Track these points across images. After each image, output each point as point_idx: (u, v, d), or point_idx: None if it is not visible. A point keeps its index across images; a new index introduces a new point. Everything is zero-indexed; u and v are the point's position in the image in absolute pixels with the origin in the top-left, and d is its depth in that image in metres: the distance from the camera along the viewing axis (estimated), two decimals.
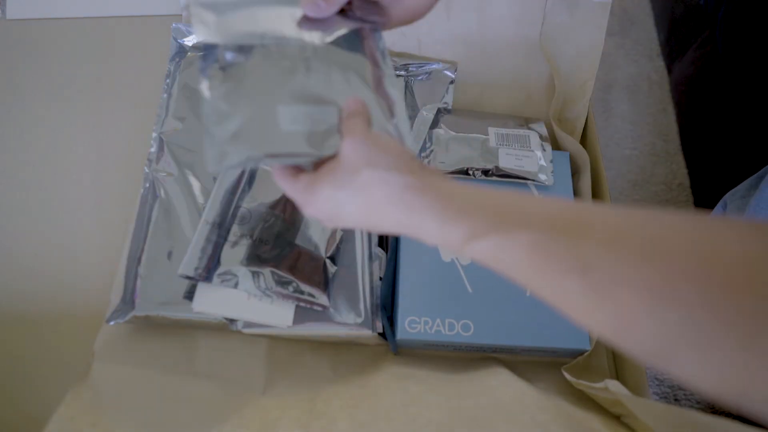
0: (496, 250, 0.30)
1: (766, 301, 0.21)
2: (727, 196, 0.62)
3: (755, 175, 0.59)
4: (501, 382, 0.52)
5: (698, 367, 0.23)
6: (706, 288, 0.23)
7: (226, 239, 0.57)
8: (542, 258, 0.28)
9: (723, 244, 0.24)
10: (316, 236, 0.58)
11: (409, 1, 0.43)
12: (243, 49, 0.41)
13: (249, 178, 0.59)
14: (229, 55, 0.40)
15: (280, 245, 0.57)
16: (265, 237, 0.57)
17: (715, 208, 0.64)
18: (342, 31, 0.43)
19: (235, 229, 0.57)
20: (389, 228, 0.36)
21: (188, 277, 0.55)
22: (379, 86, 0.43)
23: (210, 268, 0.55)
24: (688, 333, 0.23)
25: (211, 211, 0.57)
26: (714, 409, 0.79)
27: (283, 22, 0.42)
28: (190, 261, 0.55)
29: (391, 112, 0.43)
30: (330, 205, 0.37)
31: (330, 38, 0.43)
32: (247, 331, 0.56)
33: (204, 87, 0.38)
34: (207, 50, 0.40)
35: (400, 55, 0.73)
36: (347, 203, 0.36)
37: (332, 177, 0.37)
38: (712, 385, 0.23)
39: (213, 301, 0.55)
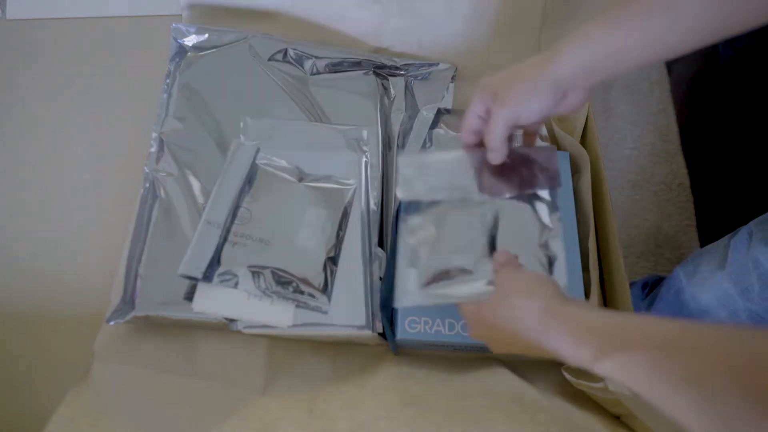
0: (620, 368, 0.34)
1: None
2: (753, 224, 0.62)
3: None
4: (500, 382, 0.52)
5: None
6: None
7: (226, 239, 0.57)
8: (659, 375, 0.31)
9: None
10: (317, 237, 0.58)
11: (566, 108, 0.47)
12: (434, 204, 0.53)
13: (249, 179, 0.59)
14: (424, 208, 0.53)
15: (280, 245, 0.57)
16: (265, 237, 0.57)
17: (739, 233, 0.63)
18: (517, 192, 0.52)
19: (236, 229, 0.57)
20: (536, 348, 0.40)
21: (188, 277, 0.55)
22: (546, 246, 0.53)
23: (210, 268, 0.55)
24: None
25: (211, 211, 0.57)
26: None
27: (467, 179, 0.52)
28: (190, 260, 0.55)
29: (549, 269, 0.52)
30: (490, 330, 0.44)
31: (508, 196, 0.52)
32: (247, 331, 0.56)
33: (406, 234, 0.53)
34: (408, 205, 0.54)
35: (400, 55, 0.73)
36: (502, 328, 0.43)
37: (489, 305, 0.44)
38: None
39: (213, 302, 0.55)
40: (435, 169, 0.54)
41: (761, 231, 0.59)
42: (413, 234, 0.54)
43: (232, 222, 0.57)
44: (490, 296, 0.45)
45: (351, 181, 0.61)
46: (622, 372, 0.34)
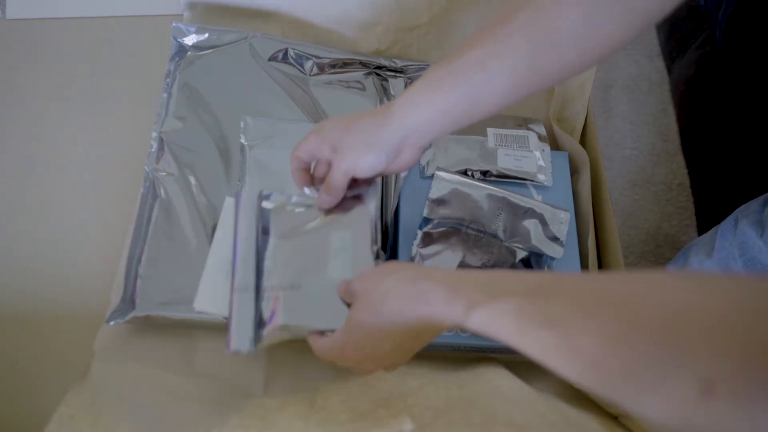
0: (489, 318, 0.34)
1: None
2: (739, 211, 0.62)
3: None
4: (499, 377, 0.52)
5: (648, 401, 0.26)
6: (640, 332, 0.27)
7: (260, 298, 0.52)
8: (523, 320, 0.32)
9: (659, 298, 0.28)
10: (347, 263, 0.54)
11: (399, 166, 0.49)
12: None
13: (263, 229, 0.55)
14: None
15: (312, 284, 0.53)
16: (296, 282, 0.53)
17: (725, 221, 0.63)
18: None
19: (265, 284, 0.53)
20: (411, 323, 0.40)
21: (240, 352, 0.51)
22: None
23: (257, 333, 0.51)
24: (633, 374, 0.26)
25: (242, 276, 0.53)
26: None
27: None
28: (237, 336, 0.50)
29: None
30: (362, 334, 0.43)
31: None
32: None
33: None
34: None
35: (400, 56, 0.73)
36: (373, 327, 0.42)
37: (356, 308, 0.44)
38: (660, 417, 0.25)
39: (214, 301, 0.55)
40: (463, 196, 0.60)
41: (746, 216, 0.59)
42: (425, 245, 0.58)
43: (260, 279, 0.53)
44: (351, 310, 0.44)
45: (366, 188, 0.56)
46: (491, 322, 0.34)
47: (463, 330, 0.46)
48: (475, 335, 0.55)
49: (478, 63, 0.43)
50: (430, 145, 0.65)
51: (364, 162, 0.48)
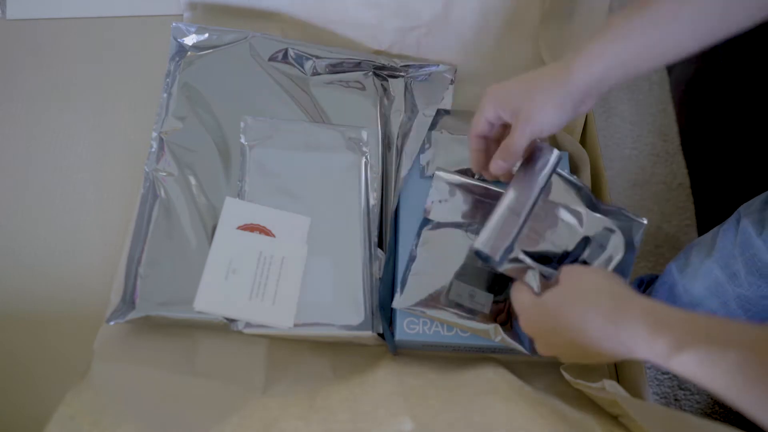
0: (702, 362, 0.33)
1: None
2: (741, 209, 0.62)
3: None
4: (499, 376, 0.52)
5: None
6: None
7: (521, 231, 0.52)
8: (749, 374, 0.31)
9: None
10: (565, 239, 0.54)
11: (578, 114, 0.48)
12: None
13: (547, 187, 0.55)
14: None
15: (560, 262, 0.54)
16: (551, 250, 0.53)
17: (728, 220, 0.63)
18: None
19: (531, 226, 0.53)
20: (595, 352, 0.40)
21: (481, 255, 0.51)
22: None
23: (505, 252, 0.51)
24: None
25: (514, 201, 0.52)
26: (710, 411, 0.79)
27: None
28: (490, 240, 0.50)
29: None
30: (546, 332, 0.45)
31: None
32: (247, 331, 0.56)
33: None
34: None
35: (400, 56, 0.73)
36: (564, 331, 0.42)
37: (550, 306, 0.45)
38: None
39: (214, 301, 0.55)
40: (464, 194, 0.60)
41: (748, 215, 0.59)
42: (425, 246, 0.58)
43: (527, 218, 0.53)
44: (550, 290, 0.45)
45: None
46: (704, 366, 0.33)
47: (660, 368, 0.46)
48: (474, 334, 0.55)
49: (670, 12, 0.42)
50: (430, 145, 0.65)
51: (552, 122, 0.46)
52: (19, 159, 0.67)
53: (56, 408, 0.48)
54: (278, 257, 0.58)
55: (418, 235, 0.59)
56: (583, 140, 0.71)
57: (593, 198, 0.56)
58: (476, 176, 0.63)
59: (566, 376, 0.54)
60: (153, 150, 0.62)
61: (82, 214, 0.64)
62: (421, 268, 0.57)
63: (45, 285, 0.61)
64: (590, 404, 0.53)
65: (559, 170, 0.54)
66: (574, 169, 0.67)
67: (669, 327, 0.35)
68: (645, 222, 0.56)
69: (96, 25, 0.74)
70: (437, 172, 0.61)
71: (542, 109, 0.46)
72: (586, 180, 0.65)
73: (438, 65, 0.72)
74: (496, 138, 0.52)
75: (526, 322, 0.47)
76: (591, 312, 0.40)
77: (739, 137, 0.89)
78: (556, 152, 0.53)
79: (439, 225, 0.59)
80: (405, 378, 0.52)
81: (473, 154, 0.53)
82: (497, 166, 0.50)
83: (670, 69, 1.06)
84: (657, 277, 0.77)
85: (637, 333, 0.37)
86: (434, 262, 0.57)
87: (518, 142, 0.48)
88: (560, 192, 0.55)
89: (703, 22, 0.42)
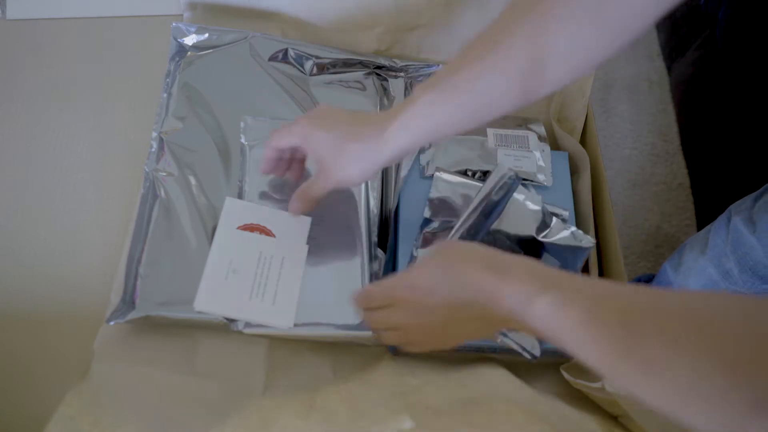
0: (554, 309, 0.34)
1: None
2: (732, 207, 0.62)
3: (763, 188, 0.59)
4: (499, 377, 0.52)
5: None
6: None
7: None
8: (595, 325, 0.32)
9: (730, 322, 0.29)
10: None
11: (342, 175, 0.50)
12: None
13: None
14: None
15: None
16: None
17: (719, 218, 0.63)
18: None
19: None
20: (471, 296, 0.40)
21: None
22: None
23: None
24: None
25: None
26: None
27: None
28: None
29: None
30: (422, 284, 0.43)
31: None
32: (247, 331, 0.56)
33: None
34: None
35: (400, 56, 0.73)
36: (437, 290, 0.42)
37: (429, 258, 0.44)
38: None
39: (214, 301, 0.55)
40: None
41: (739, 213, 0.59)
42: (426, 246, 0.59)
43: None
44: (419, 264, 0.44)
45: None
46: (554, 314, 0.34)
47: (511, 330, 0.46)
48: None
49: (477, 76, 0.43)
50: (430, 146, 0.65)
51: (354, 181, 0.49)
52: (19, 159, 0.67)
53: (56, 408, 0.48)
54: (278, 257, 0.58)
55: (418, 235, 0.59)
56: (583, 140, 0.71)
57: (548, 220, 0.58)
58: (476, 176, 0.63)
59: (566, 376, 0.54)
60: (153, 150, 0.62)
61: (82, 214, 0.64)
62: None
63: (45, 285, 0.61)
64: (590, 404, 0.53)
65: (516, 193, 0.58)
66: (574, 169, 0.67)
67: (534, 279, 0.36)
68: (592, 245, 0.58)
69: (96, 25, 0.74)
70: (437, 173, 0.61)
71: (346, 169, 0.48)
72: (585, 180, 0.65)
73: (438, 65, 0.72)
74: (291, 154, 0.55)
75: (391, 312, 0.46)
76: (470, 265, 0.40)
77: (738, 137, 0.89)
78: (508, 174, 0.57)
79: (440, 225, 0.59)
80: (405, 377, 0.53)
81: (267, 160, 0.55)
82: (295, 207, 0.53)
83: (670, 69, 1.06)
84: (654, 276, 0.78)
85: (505, 283, 0.37)
86: None
87: (317, 192, 0.51)
88: (510, 219, 0.58)
89: (509, 90, 0.43)
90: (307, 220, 0.60)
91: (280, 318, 0.55)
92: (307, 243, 0.59)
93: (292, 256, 0.58)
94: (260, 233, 0.59)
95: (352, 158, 0.48)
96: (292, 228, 0.59)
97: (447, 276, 0.41)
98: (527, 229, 0.58)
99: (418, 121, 0.46)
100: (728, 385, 0.27)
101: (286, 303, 0.56)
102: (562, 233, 0.57)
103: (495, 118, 0.45)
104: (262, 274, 0.57)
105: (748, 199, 0.60)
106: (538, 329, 0.36)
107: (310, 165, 0.60)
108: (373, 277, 0.59)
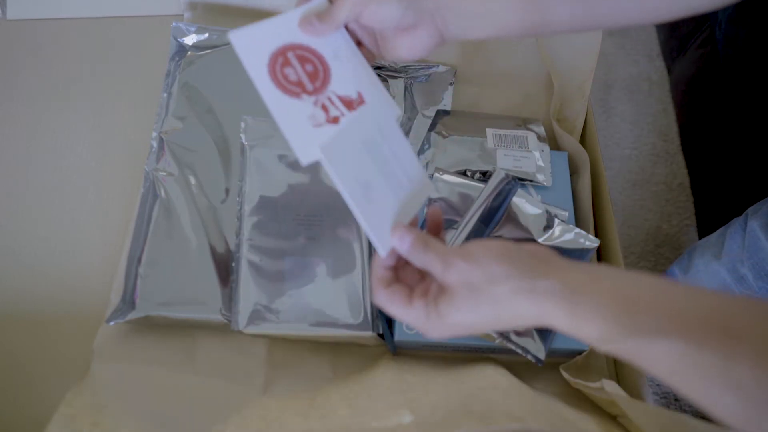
0: (635, 352, 0.31)
1: None
2: (750, 211, 0.62)
3: None
4: (498, 375, 0.53)
5: None
6: None
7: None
8: (690, 368, 0.29)
9: None
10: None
11: (406, 46, 0.45)
12: None
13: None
14: None
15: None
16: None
17: (735, 221, 0.63)
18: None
19: None
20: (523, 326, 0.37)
21: None
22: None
23: None
24: None
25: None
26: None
27: None
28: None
29: None
30: (460, 328, 0.37)
31: None
32: (247, 331, 0.56)
33: None
34: None
35: None
36: (479, 322, 0.36)
37: (454, 303, 0.36)
38: None
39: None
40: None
41: (756, 218, 0.59)
42: None
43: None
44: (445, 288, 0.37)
45: None
46: (637, 354, 0.31)
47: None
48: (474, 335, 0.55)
49: None
50: (430, 146, 0.65)
51: (376, 10, 0.43)
52: (19, 159, 0.67)
53: (56, 408, 0.48)
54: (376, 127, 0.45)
55: None
56: (583, 140, 0.71)
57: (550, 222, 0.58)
58: (475, 177, 0.63)
59: (565, 375, 0.54)
60: (153, 150, 0.62)
61: (82, 214, 0.64)
62: None
63: (45, 285, 0.61)
64: (589, 404, 0.53)
65: (516, 198, 0.58)
66: (574, 169, 0.67)
67: (594, 314, 0.32)
68: (596, 245, 0.57)
69: (96, 25, 0.74)
70: (437, 173, 0.61)
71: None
72: (585, 180, 0.65)
73: (438, 66, 0.72)
74: None
75: (430, 332, 0.39)
76: (503, 307, 0.35)
77: (739, 137, 0.89)
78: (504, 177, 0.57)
79: None
80: (404, 375, 0.53)
81: None
82: (310, 25, 0.46)
83: (670, 69, 1.06)
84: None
85: (559, 318, 0.33)
86: None
87: (338, 10, 0.44)
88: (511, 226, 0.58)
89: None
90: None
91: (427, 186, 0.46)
92: (307, 242, 0.59)
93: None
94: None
95: None
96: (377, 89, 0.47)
97: (487, 315, 0.36)
98: (530, 234, 0.58)
99: None
100: None
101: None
102: (566, 236, 0.58)
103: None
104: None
105: (765, 204, 0.60)
106: (651, 370, 0.32)
107: (324, 177, 0.60)
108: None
